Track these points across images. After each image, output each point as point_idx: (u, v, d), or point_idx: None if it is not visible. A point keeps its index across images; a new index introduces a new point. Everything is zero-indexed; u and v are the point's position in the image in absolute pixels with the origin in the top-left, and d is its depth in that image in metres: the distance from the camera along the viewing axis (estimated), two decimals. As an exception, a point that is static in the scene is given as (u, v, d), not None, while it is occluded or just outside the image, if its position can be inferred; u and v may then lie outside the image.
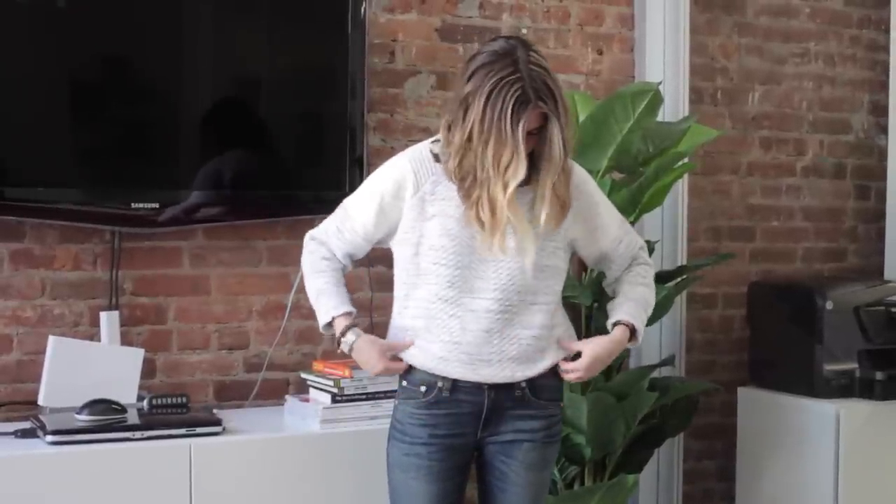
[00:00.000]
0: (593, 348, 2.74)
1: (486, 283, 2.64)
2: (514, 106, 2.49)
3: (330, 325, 2.75)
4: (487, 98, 2.50)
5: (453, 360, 2.65)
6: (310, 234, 2.84)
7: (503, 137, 2.49)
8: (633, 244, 2.85)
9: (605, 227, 2.79)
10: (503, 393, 2.68)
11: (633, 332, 2.78)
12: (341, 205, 2.81)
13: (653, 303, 2.84)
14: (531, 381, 2.70)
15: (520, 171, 2.51)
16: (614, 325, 2.79)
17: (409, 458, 2.70)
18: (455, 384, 2.67)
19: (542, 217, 2.58)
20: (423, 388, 2.68)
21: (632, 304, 2.80)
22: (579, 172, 2.75)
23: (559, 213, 2.61)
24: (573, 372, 2.73)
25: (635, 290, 2.81)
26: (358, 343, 2.71)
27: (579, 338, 2.82)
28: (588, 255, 2.83)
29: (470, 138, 2.53)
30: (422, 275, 2.66)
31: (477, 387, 2.67)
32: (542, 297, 2.68)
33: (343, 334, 2.72)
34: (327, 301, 2.74)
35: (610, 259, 2.83)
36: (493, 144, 2.50)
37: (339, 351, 2.76)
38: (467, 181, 2.56)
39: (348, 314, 2.73)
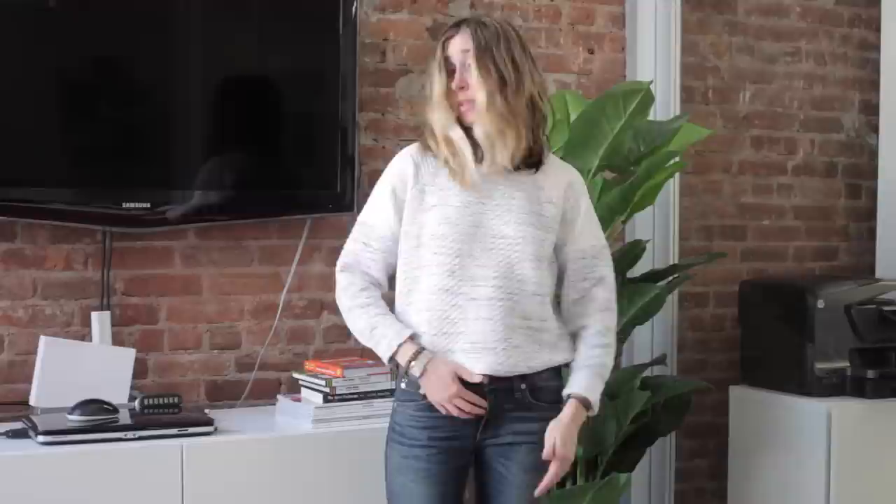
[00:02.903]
0: (553, 435, 2.66)
1: (486, 270, 2.64)
2: (445, 32, 2.70)
3: (392, 357, 2.67)
4: (436, 51, 2.69)
5: (457, 351, 2.64)
6: (339, 265, 2.76)
7: (435, 59, 2.67)
8: (595, 271, 2.76)
9: (576, 237, 2.75)
10: (503, 395, 2.67)
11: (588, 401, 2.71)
12: (356, 223, 2.78)
13: (611, 364, 2.76)
14: (531, 383, 2.69)
15: (438, 81, 2.65)
16: (568, 396, 2.70)
17: (408, 461, 2.68)
18: None
19: (491, 159, 2.65)
20: (423, 391, 2.67)
21: (587, 372, 2.71)
22: (578, 177, 2.79)
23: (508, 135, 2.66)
24: (549, 478, 2.67)
25: (592, 353, 2.74)
26: (433, 363, 2.64)
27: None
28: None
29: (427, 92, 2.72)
30: (423, 266, 2.67)
31: (477, 388, 2.66)
32: (534, 287, 2.68)
33: (414, 357, 2.64)
34: (384, 331, 2.67)
35: (565, 272, 2.76)
36: (430, 74, 2.69)
37: (407, 375, 2.68)
38: (426, 130, 2.71)
39: (411, 338, 2.65)
